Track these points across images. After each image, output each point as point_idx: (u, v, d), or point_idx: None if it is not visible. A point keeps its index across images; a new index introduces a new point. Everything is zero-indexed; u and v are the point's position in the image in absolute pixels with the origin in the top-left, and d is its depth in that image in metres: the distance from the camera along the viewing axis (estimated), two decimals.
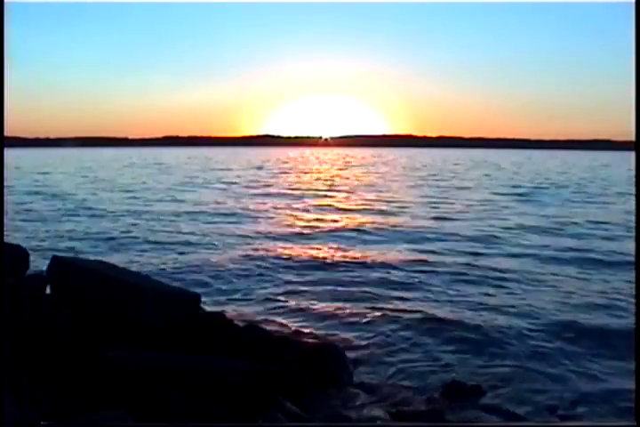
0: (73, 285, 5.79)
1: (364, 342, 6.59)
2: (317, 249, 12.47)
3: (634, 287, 7.69)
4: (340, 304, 8.11)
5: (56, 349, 4.89)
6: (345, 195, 25.68)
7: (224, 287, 9.06)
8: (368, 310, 7.80)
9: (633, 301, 7.73)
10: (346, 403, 5.00)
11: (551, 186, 31.13)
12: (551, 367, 5.97)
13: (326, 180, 36.46)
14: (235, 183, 31.79)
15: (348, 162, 72.61)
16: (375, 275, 9.93)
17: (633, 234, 12.08)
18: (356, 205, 21.47)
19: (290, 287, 9.11)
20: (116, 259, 10.59)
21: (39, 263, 7.76)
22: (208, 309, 6.72)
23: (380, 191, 27.31)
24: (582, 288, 9.08)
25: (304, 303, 8.16)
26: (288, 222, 16.61)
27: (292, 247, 12.61)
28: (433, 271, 10.22)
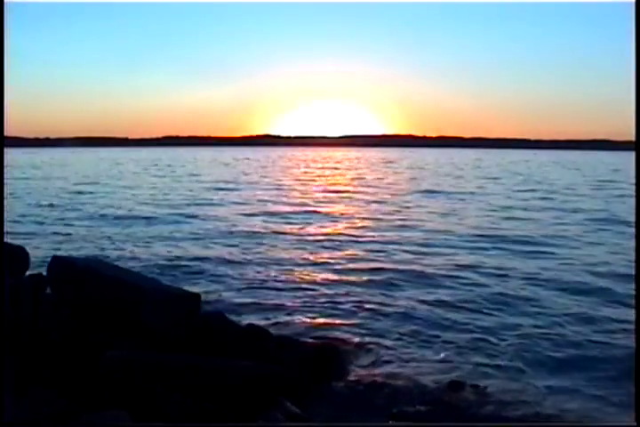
0: (73, 284, 5.79)
1: (364, 342, 6.59)
2: (313, 250, 12.48)
3: (634, 287, 7.70)
4: (340, 304, 8.11)
5: (56, 349, 4.89)
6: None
7: (224, 287, 9.06)
8: (368, 311, 7.81)
9: None
10: (346, 403, 5.00)
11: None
12: (552, 366, 5.98)
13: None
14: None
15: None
16: (372, 275, 9.95)
17: None
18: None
19: (290, 287, 9.12)
20: (116, 258, 10.61)
21: (39, 263, 7.76)
22: (208, 308, 6.72)
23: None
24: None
25: (304, 304, 8.17)
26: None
27: (290, 247, 12.62)
28: (430, 272, 10.24)
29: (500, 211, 19.39)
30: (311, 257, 11.57)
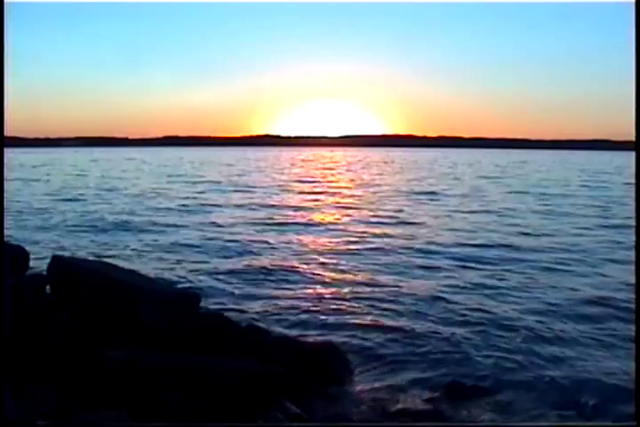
0: (73, 285, 5.79)
1: (364, 342, 6.59)
2: (312, 252, 12.48)
3: (634, 286, 7.67)
4: (340, 305, 8.12)
5: (56, 349, 4.89)
6: None
7: (224, 287, 9.06)
8: (368, 311, 7.81)
9: None
10: (346, 403, 5.00)
11: None
12: (553, 367, 5.98)
13: None
14: None
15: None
16: (371, 278, 9.96)
17: None
18: None
19: (289, 287, 9.12)
20: (115, 258, 10.61)
21: (39, 263, 7.76)
22: (208, 309, 6.72)
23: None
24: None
25: (304, 304, 8.17)
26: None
27: (288, 250, 12.63)
28: (429, 273, 10.25)
29: (498, 213, 19.36)
30: (310, 260, 11.57)
